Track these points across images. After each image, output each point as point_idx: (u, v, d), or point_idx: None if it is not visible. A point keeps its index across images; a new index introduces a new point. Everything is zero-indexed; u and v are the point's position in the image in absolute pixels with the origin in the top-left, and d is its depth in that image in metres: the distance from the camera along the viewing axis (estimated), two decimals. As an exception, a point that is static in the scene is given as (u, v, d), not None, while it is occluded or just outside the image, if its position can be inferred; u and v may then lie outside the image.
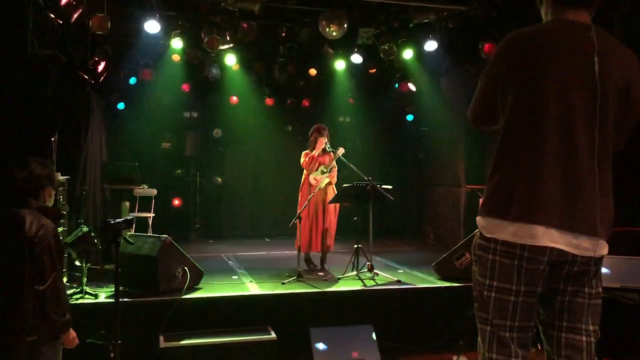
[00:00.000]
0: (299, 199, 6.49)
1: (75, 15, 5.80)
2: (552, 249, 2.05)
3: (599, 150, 2.07)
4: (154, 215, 7.87)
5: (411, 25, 7.38)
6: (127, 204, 7.05)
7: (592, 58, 2.08)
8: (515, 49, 2.16)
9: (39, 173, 3.08)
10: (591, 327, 2.16)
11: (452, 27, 7.48)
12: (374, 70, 9.03)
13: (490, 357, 2.20)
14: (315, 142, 6.46)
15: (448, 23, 7.41)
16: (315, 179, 6.35)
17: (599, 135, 2.08)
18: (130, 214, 7.23)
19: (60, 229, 4.27)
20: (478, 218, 2.21)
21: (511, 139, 2.15)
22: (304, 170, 6.52)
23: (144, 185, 7.55)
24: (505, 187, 2.12)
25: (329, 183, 6.40)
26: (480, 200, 2.27)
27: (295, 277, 5.77)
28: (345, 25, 7.05)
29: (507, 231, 2.08)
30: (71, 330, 3.13)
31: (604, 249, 2.12)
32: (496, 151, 2.19)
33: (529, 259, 2.09)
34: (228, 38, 7.33)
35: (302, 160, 6.50)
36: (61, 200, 5.37)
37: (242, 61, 8.71)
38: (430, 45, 7.66)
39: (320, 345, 4.97)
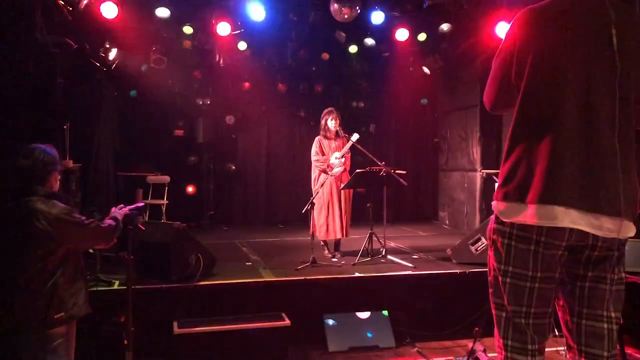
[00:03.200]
0: (314, 186, 6.42)
1: (85, 2, 5.76)
2: (571, 232, 1.97)
3: (620, 126, 1.98)
4: (167, 202, 7.87)
5: (424, 6, 7.24)
6: (140, 191, 7.05)
7: (610, 30, 1.99)
8: (527, 25, 2.08)
9: (44, 159, 3.07)
10: (613, 314, 2.08)
11: (467, 8, 7.34)
12: (387, 54, 8.87)
13: (505, 343, 2.14)
14: (326, 125, 6.39)
15: (462, 4, 7.27)
16: (336, 158, 6.28)
17: (620, 110, 1.98)
18: (144, 201, 7.23)
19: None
20: (494, 202, 2.14)
21: (526, 119, 2.06)
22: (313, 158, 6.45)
23: (157, 172, 7.55)
24: (521, 169, 2.04)
25: (343, 170, 6.33)
26: (496, 184, 2.19)
27: (309, 264, 5.74)
28: (358, 8, 6.94)
29: (525, 214, 2.01)
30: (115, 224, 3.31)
31: (629, 230, 2.02)
32: (510, 132, 2.10)
33: (546, 244, 2.02)
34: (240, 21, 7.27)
35: (313, 149, 6.42)
36: (74, 187, 5.38)
37: (253, 46, 8.62)
38: (444, 27, 7.53)
39: (335, 332, 4.96)
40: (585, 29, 2.01)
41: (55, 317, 2.99)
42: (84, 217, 3.18)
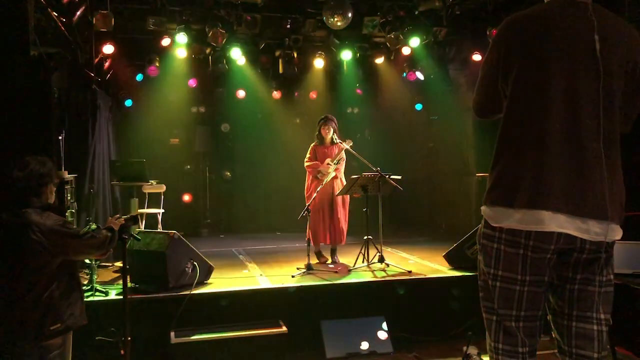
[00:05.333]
0: (305, 192, 6.46)
1: (78, 13, 5.79)
2: (559, 235, 2.00)
3: (605, 132, 2.01)
4: (163, 211, 7.88)
5: (417, 12, 7.29)
6: (136, 200, 7.05)
7: (592, 37, 2.02)
8: (512, 33, 2.11)
9: (39, 171, 3.09)
10: (602, 316, 2.10)
11: (459, 14, 7.39)
12: (379, 56, 8.89)
13: (496, 346, 2.16)
14: (320, 133, 6.43)
15: (454, 9, 7.32)
16: (328, 164, 6.30)
17: (605, 116, 2.01)
18: (140, 210, 7.24)
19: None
20: (483, 207, 2.17)
21: (513, 125, 2.10)
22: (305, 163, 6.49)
23: (153, 182, 7.55)
24: (509, 175, 2.07)
25: (335, 177, 6.35)
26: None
27: (305, 270, 5.76)
28: (350, 15, 6.98)
29: (512, 219, 2.03)
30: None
31: (616, 233, 2.05)
32: (498, 138, 2.14)
33: (534, 248, 2.05)
34: (234, 30, 7.30)
35: (307, 155, 6.47)
36: (69, 198, 5.39)
37: (247, 55, 8.67)
38: (437, 32, 7.57)
39: (332, 338, 4.97)
40: (568, 37, 2.04)
41: (51, 328, 3.00)
42: (78, 229, 3.19)
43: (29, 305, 2.97)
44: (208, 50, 8.24)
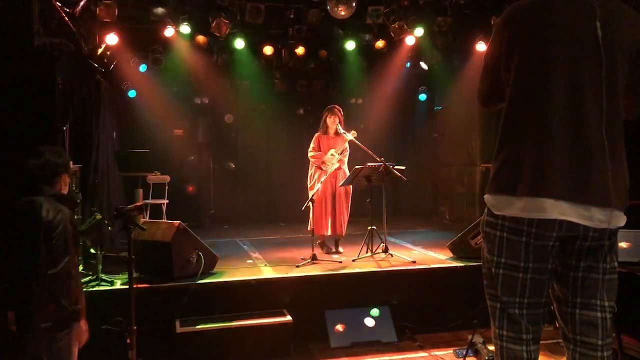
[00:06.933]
0: (308, 182, 6.47)
1: (82, 3, 5.78)
2: (562, 223, 2.00)
3: (607, 119, 2.00)
4: (167, 201, 7.90)
5: (421, 2, 7.24)
6: (140, 191, 7.07)
7: (594, 23, 2.01)
8: (514, 22, 2.11)
9: (54, 161, 3.09)
10: (606, 303, 2.11)
11: (463, 3, 7.34)
12: (383, 46, 8.83)
13: (501, 334, 2.18)
14: (325, 123, 6.42)
15: (459, -2, 7.27)
16: (332, 154, 6.30)
17: (607, 103, 2.01)
18: (144, 200, 7.26)
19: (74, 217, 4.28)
20: (486, 196, 2.18)
21: (515, 114, 2.10)
22: (309, 154, 6.49)
23: (157, 172, 7.57)
24: (512, 163, 2.07)
25: (338, 168, 6.35)
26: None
27: (309, 260, 5.77)
28: (354, 5, 6.95)
29: (515, 207, 2.04)
30: (82, 322, 3.11)
31: (620, 220, 2.05)
32: (501, 127, 2.14)
33: (537, 235, 2.05)
34: (237, 20, 7.27)
35: (310, 145, 6.46)
36: (74, 188, 5.41)
37: (251, 45, 8.63)
38: (442, 22, 7.53)
39: (337, 327, 4.99)
40: (570, 25, 2.03)
41: (51, 321, 2.99)
42: (76, 239, 3.12)
43: (29, 296, 2.97)
44: (211, 41, 8.20)
